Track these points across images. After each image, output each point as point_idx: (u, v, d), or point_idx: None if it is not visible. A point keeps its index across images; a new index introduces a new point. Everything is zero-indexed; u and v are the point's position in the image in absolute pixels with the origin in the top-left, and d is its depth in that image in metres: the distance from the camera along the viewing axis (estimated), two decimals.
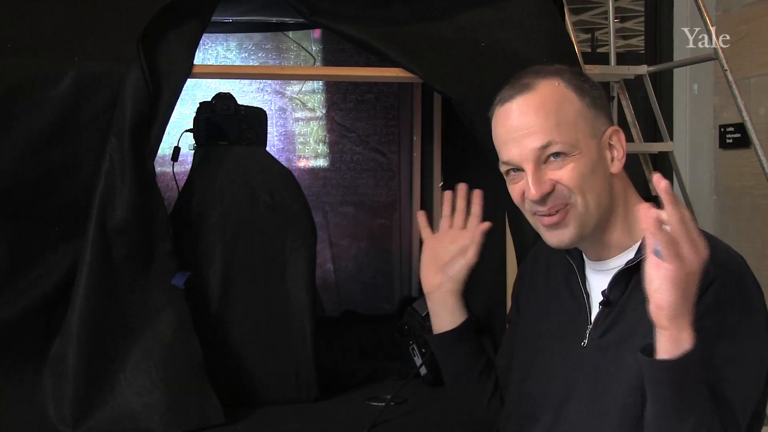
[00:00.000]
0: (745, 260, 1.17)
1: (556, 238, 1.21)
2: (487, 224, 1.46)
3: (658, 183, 0.96)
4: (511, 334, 1.43)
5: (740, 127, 2.85)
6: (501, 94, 1.23)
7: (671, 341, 1.00)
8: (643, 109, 2.94)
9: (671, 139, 2.79)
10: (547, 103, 1.18)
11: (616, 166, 1.22)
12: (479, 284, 2.18)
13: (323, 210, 2.53)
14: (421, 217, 1.54)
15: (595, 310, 1.23)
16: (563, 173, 1.17)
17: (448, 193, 1.51)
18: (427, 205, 2.51)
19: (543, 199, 1.18)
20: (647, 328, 1.12)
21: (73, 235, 1.60)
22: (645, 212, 0.95)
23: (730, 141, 2.99)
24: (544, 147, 1.17)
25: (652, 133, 2.99)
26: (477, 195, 1.48)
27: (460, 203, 1.49)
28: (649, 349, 1.02)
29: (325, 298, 2.39)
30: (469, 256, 1.45)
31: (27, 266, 1.59)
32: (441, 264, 1.48)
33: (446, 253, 1.48)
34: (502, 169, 1.24)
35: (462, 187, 1.50)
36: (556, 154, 1.17)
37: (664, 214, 0.96)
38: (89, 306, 1.55)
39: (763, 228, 2.85)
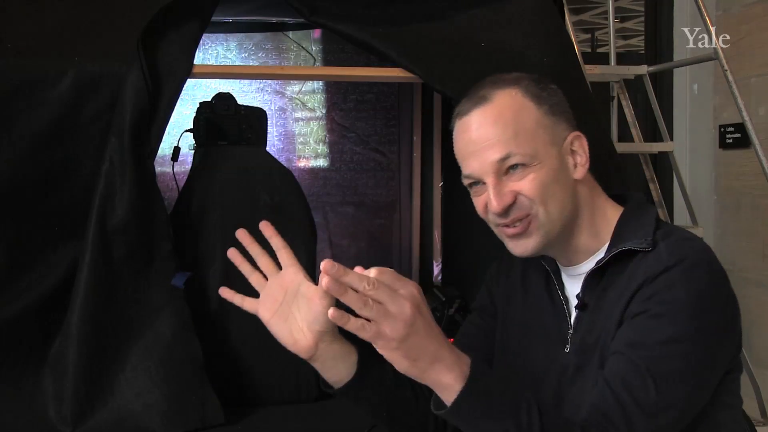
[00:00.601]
0: (710, 251, 1.16)
1: (519, 247, 1.21)
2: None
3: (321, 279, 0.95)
4: (478, 326, 1.40)
5: (740, 127, 2.85)
6: (459, 108, 1.23)
7: (439, 391, 1.03)
8: (643, 109, 2.94)
9: (671, 139, 2.80)
10: (504, 114, 1.18)
11: (580, 172, 1.21)
12: (479, 283, 2.18)
13: (323, 210, 2.54)
14: (228, 294, 1.25)
15: (573, 314, 1.23)
16: (524, 184, 1.17)
17: (233, 252, 1.24)
18: (427, 205, 2.51)
19: (505, 212, 1.18)
20: (612, 320, 1.13)
21: (73, 235, 1.60)
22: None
23: (730, 141, 2.99)
24: (503, 159, 1.17)
25: (652, 133, 2.99)
26: (265, 227, 1.23)
27: (253, 249, 1.23)
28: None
29: None
30: (325, 303, 1.14)
31: (27, 266, 1.59)
32: (299, 323, 1.19)
33: (293, 308, 1.20)
34: (465, 182, 1.23)
35: (242, 234, 1.24)
36: (516, 166, 1.17)
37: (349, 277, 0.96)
38: (89, 306, 1.55)
39: (763, 228, 2.85)
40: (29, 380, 1.57)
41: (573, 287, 1.25)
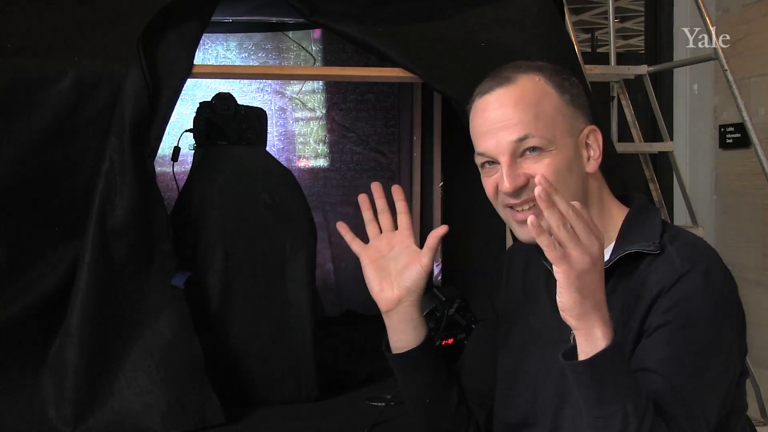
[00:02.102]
0: (716, 253, 1.16)
1: (527, 233, 1.18)
2: (443, 230, 1.27)
3: (536, 187, 0.97)
4: (482, 337, 1.41)
5: (740, 127, 2.85)
6: (480, 86, 1.23)
7: (585, 340, 1.02)
8: (643, 109, 2.94)
9: (671, 139, 2.80)
10: (526, 97, 1.18)
11: (592, 166, 1.21)
12: (479, 283, 2.18)
13: (323, 210, 2.54)
14: (343, 229, 1.34)
15: None
16: (538, 168, 1.16)
17: (363, 198, 1.33)
18: (427, 205, 2.51)
19: (517, 193, 1.18)
20: (628, 329, 1.12)
21: (73, 235, 1.60)
22: (529, 220, 0.97)
23: (730, 141, 3.00)
24: (521, 140, 1.16)
25: (652, 133, 2.99)
26: (396, 190, 1.32)
27: (380, 203, 1.32)
28: (571, 351, 1.04)
29: (325, 299, 2.38)
30: (425, 263, 1.27)
31: (27, 266, 1.59)
32: (392, 276, 1.29)
33: (392, 262, 1.30)
34: (477, 161, 1.23)
35: (376, 187, 1.33)
36: (532, 149, 1.17)
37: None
38: (89, 306, 1.55)
39: (763, 228, 2.85)
40: (29, 380, 1.57)
41: None
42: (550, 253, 0.97)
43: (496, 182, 1.19)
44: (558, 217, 0.97)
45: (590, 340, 1.01)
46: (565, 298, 1.00)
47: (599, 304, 1.01)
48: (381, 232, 1.32)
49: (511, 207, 1.20)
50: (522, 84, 1.19)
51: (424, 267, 1.27)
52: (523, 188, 1.17)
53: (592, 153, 1.21)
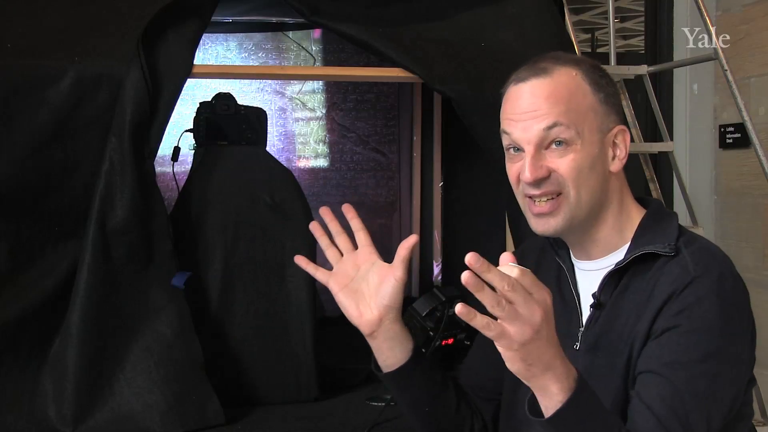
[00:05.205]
0: (730, 260, 1.16)
1: (542, 226, 1.20)
2: (413, 239, 1.24)
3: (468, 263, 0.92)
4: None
5: (740, 127, 2.85)
6: (516, 74, 1.23)
7: (541, 397, 1.01)
8: (643, 109, 2.94)
9: (671, 139, 2.80)
10: (559, 91, 1.18)
11: (617, 165, 1.21)
12: None
13: None
14: (303, 261, 1.32)
15: (585, 311, 1.22)
16: (561, 162, 1.17)
17: (314, 225, 1.32)
18: (427, 205, 2.51)
19: (537, 183, 1.18)
20: (638, 329, 1.12)
21: (73, 235, 1.60)
22: (465, 278, 0.92)
23: (730, 141, 3.00)
24: (549, 128, 1.16)
25: (652, 133, 2.99)
26: (347, 209, 1.31)
27: (333, 226, 1.30)
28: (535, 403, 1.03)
29: (326, 298, 2.38)
30: (399, 276, 1.24)
31: (27, 266, 1.59)
32: (367, 297, 1.26)
33: (363, 283, 1.27)
34: (504, 141, 1.22)
35: (325, 211, 1.32)
36: (559, 142, 1.17)
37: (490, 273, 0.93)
38: (89, 306, 1.55)
39: (763, 228, 2.85)
40: (29, 380, 1.57)
41: (586, 284, 1.24)
42: (487, 333, 0.95)
43: (519, 170, 1.19)
44: (491, 298, 0.93)
45: (547, 396, 1.01)
46: (511, 367, 0.99)
47: (550, 364, 0.99)
48: (342, 255, 1.29)
49: (530, 197, 1.20)
50: (557, 77, 1.18)
51: (399, 280, 1.24)
52: (544, 180, 1.17)
53: (618, 152, 1.21)
